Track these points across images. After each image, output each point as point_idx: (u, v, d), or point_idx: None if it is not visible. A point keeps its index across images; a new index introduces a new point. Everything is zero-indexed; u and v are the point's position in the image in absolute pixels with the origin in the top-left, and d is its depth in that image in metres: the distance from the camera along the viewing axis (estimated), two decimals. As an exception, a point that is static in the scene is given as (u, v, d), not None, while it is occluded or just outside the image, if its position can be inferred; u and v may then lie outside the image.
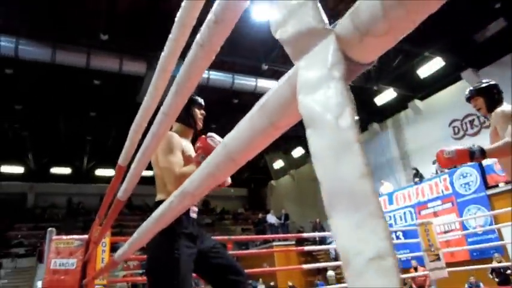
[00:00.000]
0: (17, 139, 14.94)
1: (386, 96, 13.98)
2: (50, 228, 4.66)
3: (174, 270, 1.72)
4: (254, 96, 13.21)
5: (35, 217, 17.74)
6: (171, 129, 2.07)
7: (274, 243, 14.01)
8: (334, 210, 0.31)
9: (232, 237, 16.02)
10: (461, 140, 12.63)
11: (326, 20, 0.37)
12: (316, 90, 0.36)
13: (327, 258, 14.29)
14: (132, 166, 1.59)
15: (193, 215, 1.98)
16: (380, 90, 13.77)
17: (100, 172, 19.00)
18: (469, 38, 11.75)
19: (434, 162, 11.76)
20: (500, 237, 8.50)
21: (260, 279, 11.84)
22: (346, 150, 0.31)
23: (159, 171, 1.99)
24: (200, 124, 2.23)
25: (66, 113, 13.72)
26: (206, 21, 0.64)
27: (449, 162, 2.27)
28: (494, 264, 7.51)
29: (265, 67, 11.76)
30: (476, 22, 10.92)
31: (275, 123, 0.47)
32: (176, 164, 1.92)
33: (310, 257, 14.68)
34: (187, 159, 2.01)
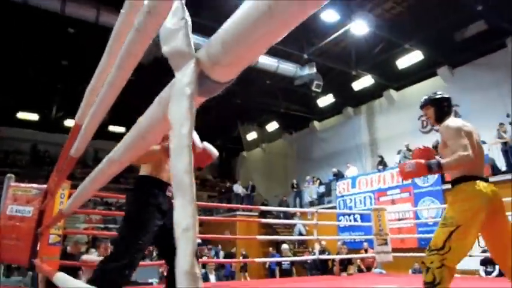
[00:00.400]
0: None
1: (364, 82, 14.19)
2: (8, 175, 4.62)
3: (136, 222, 2.09)
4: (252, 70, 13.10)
5: (-4, 161, 17.27)
6: None
7: (238, 213, 14.35)
8: (175, 194, 0.41)
9: (198, 203, 16.21)
10: (428, 134, 13.08)
11: (192, 46, 0.45)
12: (175, 102, 0.44)
13: (287, 232, 14.78)
14: (83, 125, 1.63)
15: (169, 194, 2.23)
16: (358, 75, 13.94)
17: (69, 123, 18.52)
18: (449, 36, 11.98)
19: (398, 152, 12.21)
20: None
21: (219, 246, 12.16)
22: (181, 151, 0.41)
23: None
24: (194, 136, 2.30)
25: (37, 58, 13.17)
26: (141, 11, 0.69)
27: (409, 175, 2.46)
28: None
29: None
30: (458, 21, 11.12)
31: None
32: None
33: (271, 229, 15.16)
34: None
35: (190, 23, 0.47)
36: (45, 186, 4.39)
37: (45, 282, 4.72)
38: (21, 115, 18.30)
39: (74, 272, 4.89)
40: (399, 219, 10.15)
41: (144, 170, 2.27)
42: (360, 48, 12.80)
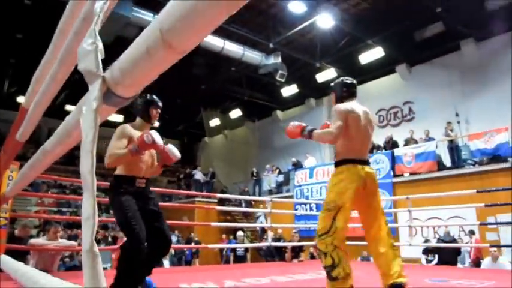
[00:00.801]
0: None
1: (327, 74, 14.45)
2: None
3: (120, 209, 2.43)
4: (197, 50, 12.93)
5: None
6: (134, 121, 2.82)
7: (197, 199, 14.36)
8: (83, 189, 0.50)
9: (156, 188, 16.01)
10: (384, 129, 13.66)
11: (100, 67, 0.53)
12: (84, 113, 0.52)
13: (246, 221, 14.99)
14: (29, 110, 1.62)
15: (139, 185, 2.64)
16: (322, 68, 14.21)
17: (22, 99, 17.60)
18: (409, 35, 12.45)
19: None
20: (396, 221, 9.58)
21: (176, 231, 12.16)
22: (86, 155, 0.51)
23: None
24: (154, 121, 2.83)
25: (-13, 29, 12.36)
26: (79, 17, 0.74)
27: (289, 132, 2.82)
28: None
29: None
30: (419, 21, 11.58)
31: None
32: (114, 147, 2.46)
33: (230, 216, 15.32)
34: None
35: (100, 46, 0.53)
36: (-9, 167, 4.22)
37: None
38: (-31, 89, 17.14)
39: (21, 255, 4.78)
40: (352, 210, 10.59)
41: (118, 169, 2.63)
42: (324, 41, 13.02)
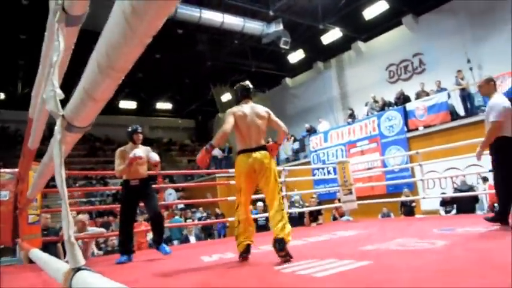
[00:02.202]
0: None
1: (332, 35, 14.20)
2: (-21, 162, 4.71)
3: (122, 201, 4.18)
4: (198, 27, 12.89)
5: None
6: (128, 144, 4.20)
7: (218, 175, 14.69)
8: (61, 197, 0.67)
9: (176, 171, 16.40)
10: (394, 84, 13.47)
11: (59, 108, 0.68)
12: (53, 144, 0.68)
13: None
14: (34, 122, 1.80)
15: (133, 183, 4.05)
16: (326, 29, 13.94)
17: (37, 99, 18.07)
18: (412, -17, 12.02)
19: (366, 104, 12.58)
20: (413, 175, 9.64)
21: (201, 208, 12.58)
22: (57, 174, 0.69)
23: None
24: (138, 142, 4.19)
25: (-6, 35, 12.64)
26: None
27: (199, 160, 3.05)
28: (402, 198, 8.60)
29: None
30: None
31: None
32: (118, 165, 4.06)
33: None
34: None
35: (58, 92, 0.69)
36: (17, 170, 4.53)
37: (27, 258, 5.04)
38: (-14, 94, 17.71)
39: (53, 244, 5.22)
40: (368, 169, 10.70)
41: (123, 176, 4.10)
42: (325, 1, 12.73)
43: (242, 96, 3.33)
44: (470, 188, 7.83)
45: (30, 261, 5.22)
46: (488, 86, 3.94)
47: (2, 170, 4.86)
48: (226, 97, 20.53)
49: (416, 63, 13.20)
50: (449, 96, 9.95)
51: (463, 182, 8.03)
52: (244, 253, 3.12)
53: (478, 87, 4.44)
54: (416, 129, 10.35)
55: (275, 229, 2.90)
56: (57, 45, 0.75)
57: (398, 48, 13.55)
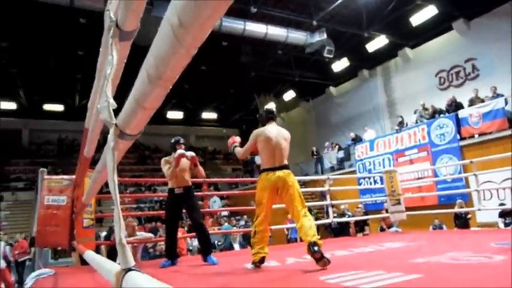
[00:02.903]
0: (6, 75, 14.96)
1: (377, 43, 13.91)
2: (41, 169, 5.09)
3: (167, 207, 4.37)
4: (243, 39, 13.15)
5: (30, 153, 18.30)
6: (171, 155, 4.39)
7: (261, 184, 14.75)
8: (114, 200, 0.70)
9: (220, 179, 16.69)
10: (445, 91, 12.86)
11: (113, 117, 0.73)
12: (106, 150, 0.72)
13: (310, 199, 15.12)
14: (89, 132, 1.93)
15: (177, 191, 4.21)
16: (372, 37, 13.68)
17: (92, 110, 19.20)
18: (464, -14, 11.51)
19: (415, 112, 12.12)
20: (467, 185, 9.10)
21: (245, 216, 12.67)
22: (110, 179, 0.73)
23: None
24: (181, 150, 4.16)
25: (54, 51, 13.67)
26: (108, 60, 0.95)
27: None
28: (456, 209, 8.13)
29: (254, 10, 11.57)
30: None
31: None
32: (165, 170, 4.24)
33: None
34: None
35: (112, 102, 0.74)
36: (74, 176, 4.83)
37: (80, 259, 5.42)
38: (47, 107, 19.11)
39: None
40: (418, 178, 10.25)
41: (169, 184, 4.30)
42: (370, 9, 12.50)
43: (267, 118, 3.57)
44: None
45: (83, 263, 5.57)
46: None
47: (61, 176, 5.20)
48: (270, 106, 20.69)
49: (468, 69, 12.53)
50: (506, 102, 9.34)
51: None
52: (259, 263, 3.34)
53: None
54: (471, 137, 9.79)
55: (307, 235, 3.01)
56: (111, 59, 0.81)
57: (449, 54, 12.95)
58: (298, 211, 3.17)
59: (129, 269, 0.77)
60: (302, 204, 3.22)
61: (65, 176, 5.15)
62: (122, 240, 0.76)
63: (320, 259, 2.89)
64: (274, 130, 3.47)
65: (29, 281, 3.69)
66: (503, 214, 7.56)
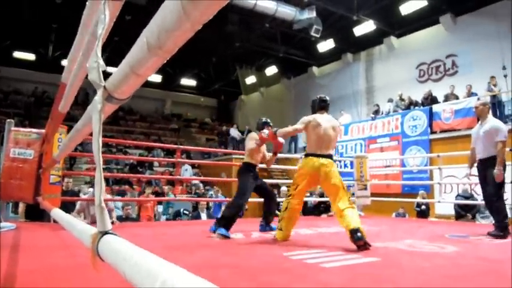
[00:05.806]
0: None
1: (364, 27, 13.87)
2: (8, 120, 4.90)
3: (249, 180, 4.03)
4: (231, 7, 12.82)
5: (-4, 100, 17.46)
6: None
7: (234, 156, 14.81)
8: (96, 164, 0.69)
9: (194, 147, 16.60)
10: (425, 84, 13.14)
11: (102, 78, 0.71)
12: (93, 113, 0.71)
13: (281, 177, 15.34)
14: (67, 87, 1.86)
15: (257, 169, 4.18)
16: (360, 20, 13.64)
17: (66, 63, 18.41)
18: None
19: (389, 101, 12.36)
20: (431, 178, 9.48)
21: (215, 187, 12.75)
22: (95, 141, 0.74)
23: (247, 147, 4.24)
24: (266, 131, 3.97)
25: (30, -3, 12.91)
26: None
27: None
28: (417, 199, 8.50)
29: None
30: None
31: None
32: (251, 144, 4.13)
33: (266, 172, 15.72)
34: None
35: (101, 63, 0.72)
36: (43, 130, 4.68)
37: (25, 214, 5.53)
38: (18, 54, 18.11)
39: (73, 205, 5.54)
40: (386, 166, 10.59)
41: (246, 158, 4.19)
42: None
43: (319, 107, 3.71)
44: (471, 196, 7.63)
45: (27, 218, 5.57)
46: (484, 109, 4.35)
47: (29, 129, 5.03)
48: (250, 80, 20.50)
49: (448, 64, 12.81)
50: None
51: (465, 190, 7.81)
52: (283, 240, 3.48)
53: (474, 108, 4.83)
54: (442, 131, 10.13)
55: (350, 222, 3.04)
56: (103, 18, 0.78)
57: (432, 47, 13.16)
58: (343, 201, 3.19)
59: (106, 232, 0.78)
60: (345, 191, 3.29)
61: (33, 130, 4.98)
62: (101, 202, 0.76)
63: (362, 246, 2.94)
64: (326, 119, 3.59)
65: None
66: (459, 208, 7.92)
